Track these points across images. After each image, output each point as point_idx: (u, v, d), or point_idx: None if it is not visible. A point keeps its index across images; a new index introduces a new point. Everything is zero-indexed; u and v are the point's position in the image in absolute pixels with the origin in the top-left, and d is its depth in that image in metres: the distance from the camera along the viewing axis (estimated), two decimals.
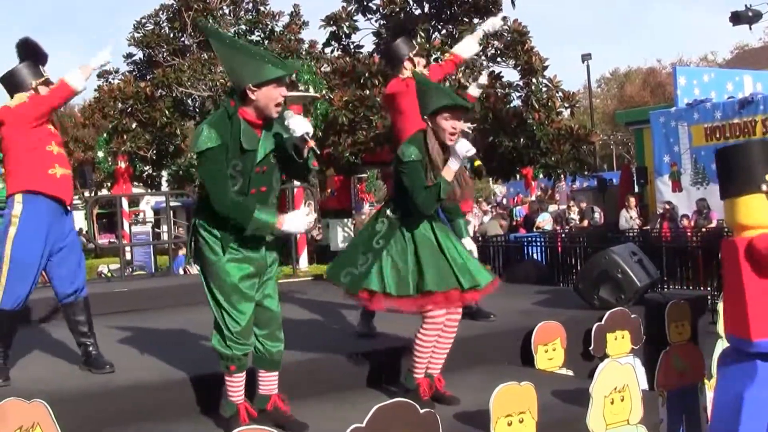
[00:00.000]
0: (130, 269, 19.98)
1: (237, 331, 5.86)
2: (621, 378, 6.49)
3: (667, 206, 23.26)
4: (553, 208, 29.77)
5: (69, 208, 7.53)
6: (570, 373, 8.26)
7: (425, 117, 6.48)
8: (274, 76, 5.73)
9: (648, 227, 22.83)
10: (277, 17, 34.00)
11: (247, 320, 5.89)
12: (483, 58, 24.10)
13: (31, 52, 7.55)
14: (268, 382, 6.19)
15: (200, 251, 5.93)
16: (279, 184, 6.14)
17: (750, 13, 23.96)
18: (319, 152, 5.90)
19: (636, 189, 27.49)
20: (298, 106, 5.89)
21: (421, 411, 5.45)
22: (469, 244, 7.48)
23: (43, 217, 7.24)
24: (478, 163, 6.45)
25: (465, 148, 6.29)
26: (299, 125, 5.77)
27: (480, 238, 20.43)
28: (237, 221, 5.74)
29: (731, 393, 6.84)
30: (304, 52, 31.27)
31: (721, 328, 8.46)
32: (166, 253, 18.47)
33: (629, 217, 24.21)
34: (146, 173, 33.78)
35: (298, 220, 5.92)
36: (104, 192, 32.49)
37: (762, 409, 6.77)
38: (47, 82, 7.44)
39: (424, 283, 6.39)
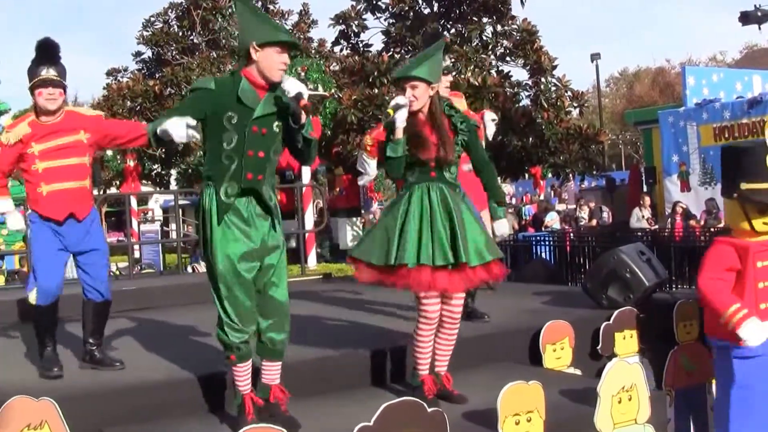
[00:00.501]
0: (139, 267, 20.01)
1: (234, 317, 5.85)
2: (629, 377, 6.48)
3: (682, 206, 23.18)
4: (561, 207, 29.73)
5: (76, 217, 7.48)
6: (578, 372, 8.26)
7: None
8: (277, 39, 5.87)
9: (657, 227, 22.80)
10: (286, 16, 34.10)
11: (245, 307, 5.88)
12: (492, 57, 24.11)
13: (38, 51, 7.54)
14: (271, 372, 6.17)
15: (204, 231, 5.93)
16: (277, 157, 6.12)
17: (759, 13, 23.96)
18: (310, 111, 5.95)
19: (644, 189, 27.45)
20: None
21: (429, 410, 5.45)
22: (501, 227, 7.32)
23: (47, 230, 7.43)
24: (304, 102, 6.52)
25: (397, 99, 6.55)
26: (293, 86, 5.88)
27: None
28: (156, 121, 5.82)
29: (720, 391, 7.02)
30: (313, 51, 31.31)
31: None
32: (175, 252, 18.48)
33: (641, 216, 24.16)
34: (155, 172, 33.86)
35: (178, 124, 5.68)
36: (113, 190, 32.46)
37: (746, 405, 6.88)
38: (42, 83, 7.35)
39: (402, 255, 6.41)
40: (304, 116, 5.89)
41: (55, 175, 7.36)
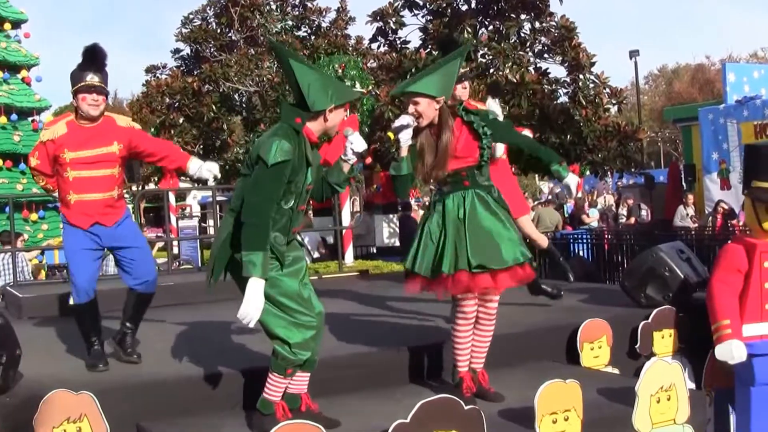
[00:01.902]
0: (177, 263, 20.08)
1: (307, 338, 5.91)
2: (668, 377, 6.45)
3: (724, 205, 23.00)
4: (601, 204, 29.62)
5: (103, 225, 7.60)
6: (616, 371, 8.22)
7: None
8: (353, 97, 6.09)
9: (697, 225, 22.65)
10: (323, 13, 34.12)
11: (316, 321, 5.97)
12: (530, 54, 24.03)
13: (84, 56, 7.60)
14: (302, 382, 6.23)
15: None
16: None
17: None
18: (363, 166, 6.08)
19: (684, 187, 27.29)
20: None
21: (466, 407, 5.45)
22: (571, 180, 6.89)
23: (75, 232, 7.56)
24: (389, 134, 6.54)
25: (398, 121, 6.55)
26: (359, 143, 6.07)
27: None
28: (248, 241, 5.72)
29: (739, 390, 6.99)
30: (350, 48, 31.31)
31: None
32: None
33: (685, 214, 23.98)
34: None
35: (252, 305, 5.82)
36: (151, 186, 32.58)
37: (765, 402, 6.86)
38: (86, 88, 7.45)
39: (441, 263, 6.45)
40: (355, 165, 6.18)
41: (83, 186, 7.49)
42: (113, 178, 7.61)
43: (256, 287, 5.72)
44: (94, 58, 7.58)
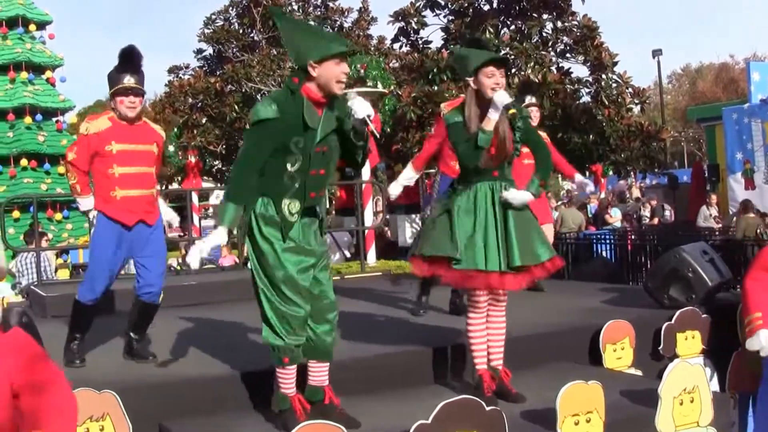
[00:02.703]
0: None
1: (293, 322, 5.87)
2: (691, 379, 6.43)
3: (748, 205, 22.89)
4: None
5: (146, 223, 7.70)
6: (639, 373, 8.20)
7: (467, 78, 6.52)
8: (335, 51, 5.79)
9: (720, 225, 22.55)
10: (345, 13, 34.16)
11: (303, 313, 5.89)
12: (552, 53, 24.00)
13: (121, 58, 7.70)
14: (320, 373, 6.19)
15: (255, 240, 5.93)
16: (335, 169, 6.20)
17: None
18: (378, 136, 5.93)
19: (708, 187, 27.18)
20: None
21: (487, 409, 5.44)
22: (514, 196, 6.65)
23: (111, 232, 7.59)
24: (512, 111, 6.43)
25: (502, 97, 6.33)
26: (361, 107, 5.85)
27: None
28: (226, 191, 5.93)
29: (763, 392, 6.95)
30: (372, 48, 31.32)
31: None
32: (236, 247, 18.55)
33: (708, 215, 23.89)
34: (216, 168, 34.02)
35: (210, 243, 5.94)
36: (174, 186, 32.68)
37: None
38: (123, 91, 7.55)
39: (470, 259, 6.42)
40: (366, 133, 5.93)
41: (129, 182, 7.57)
42: (152, 177, 7.79)
43: (216, 234, 5.91)
44: (130, 59, 7.69)
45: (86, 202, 7.77)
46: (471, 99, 6.52)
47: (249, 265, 6.17)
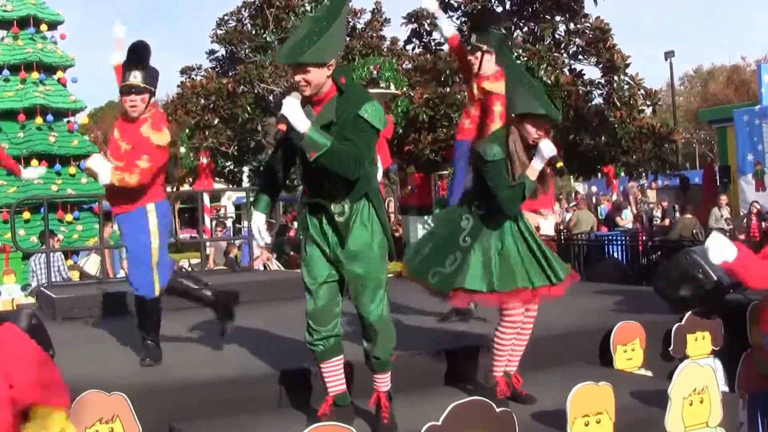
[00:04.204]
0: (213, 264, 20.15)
1: (309, 319, 5.96)
2: (701, 380, 6.42)
3: (757, 205, 22.85)
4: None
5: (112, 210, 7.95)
6: (649, 373, 8.20)
7: (512, 114, 6.47)
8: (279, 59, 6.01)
9: (731, 226, 22.51)
10: (358, 15, 34.09)
11: (317, 308, 5.93)
12: (565, 55, 23.97)
13: (127, 54, 7.72)
14: (378, 381, 6.23)
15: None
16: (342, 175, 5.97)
17: None
18: (398, 168, 6.02)
19: (719, 188, 27.14)
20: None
21: (498, 410, 5.44)
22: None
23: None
24: (560, 164, 6.39)
25: (549, 148, 6.27)
26: (283, 106, 5.81)
27: (564, 232, 20.44)
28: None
29: None
30: (385, 49, 31.29)
31: None
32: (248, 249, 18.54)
33: (719, 216, 23.83)
34: (228, 169, 34.04)
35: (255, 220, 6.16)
36: (186, 187, 32.72)
37: None
38: (125, 90, 7.59)
39: (512, 279, 6.41)
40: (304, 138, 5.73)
41: None
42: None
43: (254, 219, 6.17)
44: (134, 54, 7.65)
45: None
46: (515, 138, 6.46)
47: None
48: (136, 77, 7.54)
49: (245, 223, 32.95)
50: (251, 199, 6.07)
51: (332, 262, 5.97)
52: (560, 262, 6.68)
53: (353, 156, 5.71)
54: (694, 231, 18.53)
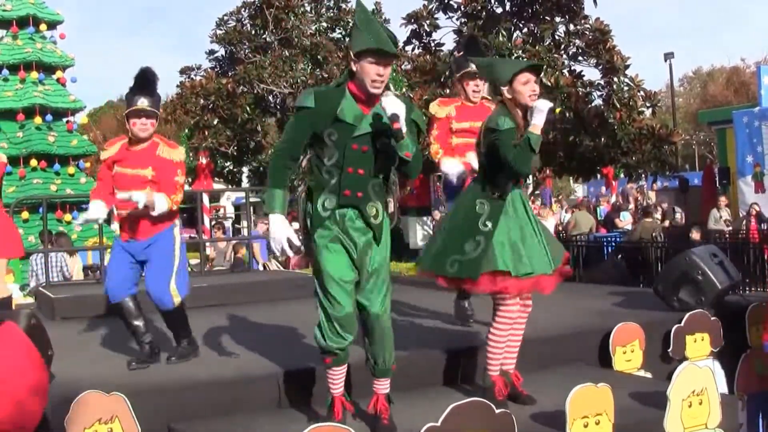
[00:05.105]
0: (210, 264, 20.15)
1: (333, 322, 5.86)
2: (700, 381, 6.42)
3: (756, 207, 22.85)
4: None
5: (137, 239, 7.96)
6: (648, 375, 8.20)
7: (502, 88, 6.50)
8: (365, 46, 5.72)
9: (730, 228, 22.51)
10: None
11: (345, 313, 5.86)
12: (564, 56, 23.96)
13: (136, 80, 7.93)
14: (378, 385, 6.21)
15: (309, 239, 6.00)
16: (382, 174, 6.03)
17: None
18: (403, 137, 5.81)
19: (718, 189, 27.14)
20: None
21: (497, 411, 5.44)
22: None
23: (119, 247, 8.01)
24: (558, 110, 6.53)
25: (545, 104, 6.31)
26: (390, 105, 5.77)
27: (563, 233, 20.45)
28: (267, 179, 6.04)
29: None
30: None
31: None
32: (247, 249, 18.56)
33: (718, 218, 23.82)
34: (227, 169, 34.08)
35: (281, 230, 5.86)
36: (185, 187, 32.79)
37: None
38: (136, 113, 7.75)
39: (541, 261, 6.46)
40: (399, 132, 5.76)
41: (121, 205, 7.86)
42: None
43: (274, 221, 5.88)
44: (144, 81, 7.89)
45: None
46: (513, 107, 6.46)
47: None
48: (143, 102, 7.76)
49: (244, 223, 32.95)
50: (264, 195, 5.91)
51: (355, 265, 5.93)
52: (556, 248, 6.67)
53: (421, 158, 5.95)
54: (654, 234, 18.72)
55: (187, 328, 7.98)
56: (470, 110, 8.99)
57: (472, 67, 8.92)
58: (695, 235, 18.21)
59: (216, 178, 32.98)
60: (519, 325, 6.71)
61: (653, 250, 15.94)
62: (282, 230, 5.82)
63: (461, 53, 9.78)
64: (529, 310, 6.75)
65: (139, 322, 7.87)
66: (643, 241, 17.75)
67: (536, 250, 6.44)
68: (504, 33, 23.06)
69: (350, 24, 33.44)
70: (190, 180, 30.40)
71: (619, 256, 16.37)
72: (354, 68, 5.79)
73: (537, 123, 6.31)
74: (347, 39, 32.38)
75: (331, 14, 34.66)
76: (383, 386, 6.19)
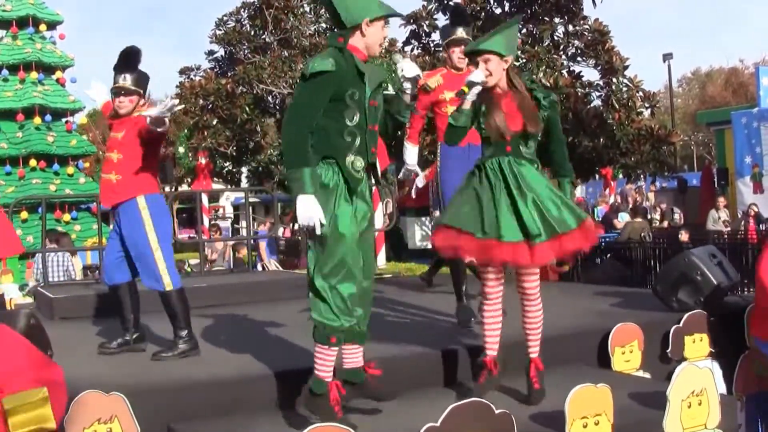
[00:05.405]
0: (209, 264, 20.15)
1: (347, 299, 5.79)
2: (699, 382, 6.42)
3: (755, 208, 22.87)
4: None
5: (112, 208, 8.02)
6: (647, 375, 8.19)
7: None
8: (388, 13, 5.99)
9: (729, 228, 22.53)
10: None
11: (361, 287, 5.86)
12: (564, 57, 24.00)
13: (117, 58, 8.00)
14: (356, 355, 6.18)
15: (327, 202, 5.78)
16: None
17: None
18: (416, 96, 6.03)
19: (717, 190, 27.16)
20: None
21: (496, 411, 5.44)
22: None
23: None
24: (464, 87, 6.53)
25: (472, 76, 6.40)
26: (410, 67, 6.02)
27: None
28: (290, 157, 5.69)
29: None
30: (383, 50, 31.34)
31: None
32: (248, 250, 18.57)
33: (717, 218, 23.84)
34: (226, 169, 34.12)
35: (316, 210, 5.62)
36: (184, 187, 32.72)
37: None
38: (115, 91, 7.92)
39: (488, 228, 6.36)
40: (412, 92, 6.09)
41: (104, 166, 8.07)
42: (117, 163, 7.86)
43: (305, 203, 5.59)
44: (124, 59, 7.96)
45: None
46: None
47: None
48: (125, 79, 7.84)
49: (243, 223, 32.96)
50: (288, 175, 5.71)
51: (363, 230, 5.95)
52: (544, 224, 6.40)
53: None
54: (642, 234, 18.77)
55: (180, 318, 7.93)
56: (456, 78, 9.00)
57: (458, 34, 9.14)
58: (683, 236, 18.22)
59: (215, 179, 32.98)
60: (526, 305, 6.64)
61: (640, 250, 16.06)
62: (317, 211, 5.61)
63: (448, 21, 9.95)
64: (531, 289, 6.64)
65: (127, 315, 8.00)
66: (631, 241, 17.80)
67: (505, 218, 6.34)
68: None
69: None
70: (189, 180, 30.45)
71: (608, 255, 16.39)
72: (366, 31, 5.89)
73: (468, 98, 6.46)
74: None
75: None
76: (361, 354, 6.19)
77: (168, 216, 8.09)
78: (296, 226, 5.64)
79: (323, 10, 34.36)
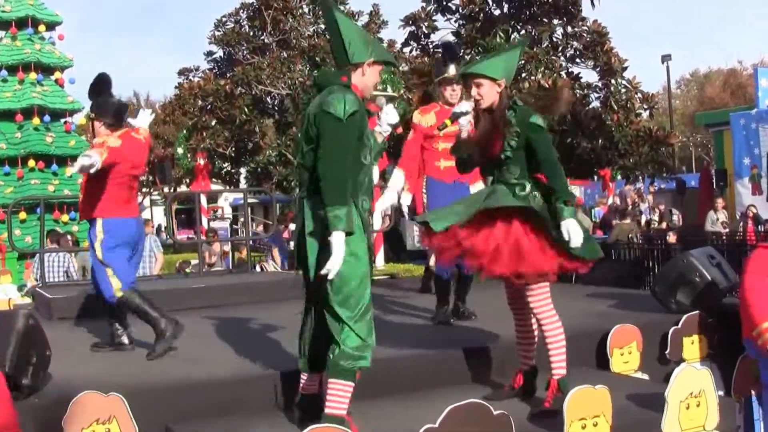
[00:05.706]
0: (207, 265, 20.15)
1: (371, 334, 5.80)
2: (697, 383, 6.42)
3: (753, 209, 22.86)
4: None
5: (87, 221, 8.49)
6: (645, 377, 8.20)
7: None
8: (389, 60, 6.11)
9: (727, 230, 22.52)
10: (356, 17, 34.12)
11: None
12: (562, 58, 23.99)
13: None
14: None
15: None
16: None
17: None
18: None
19: (716, 191, 27.16)
20: (374, 106, 5.91)
21: (495, 412, 5.44)
22: (570, 225, 6.44)
23: None
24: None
25: (457, 108, 6.75)
26: (393, 115, 6.08)
27: None
28: (332, 195, 5.49)
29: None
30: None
31: None
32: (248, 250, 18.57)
33: (715, 219, 23.82)
34: (225, 170, 34.08)
35: (338, 258, 5.50)
36: (183, 188, 32.71)
37: None
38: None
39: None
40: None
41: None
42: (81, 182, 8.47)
43: (341, 240, 5.48)
44: (90, 86, 8.49)
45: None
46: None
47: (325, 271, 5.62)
48: (95, 108, 8.43)
49: (242, 221, 32.96)
50: (333, 211, 5.56)
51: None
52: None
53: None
54: (630, 235, 18.83)
55: (120, 319, 8.31)
56: (448, 114, 9.02)
57: (449, 72, 9.24)
58: (671, 238, 18.22)
59: (214, 179, 32.98)
60: (540, 325, 6.73)
61: (628, 251, 16.30)
62: (343, 251, 5.52)
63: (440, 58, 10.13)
64: (538, 316, 6.69)
65: (152, 312, 8.05)
66: (620, 242, 17.86)
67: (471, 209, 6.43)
68: (502, 35, 23.12)
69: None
70: (188, 181, 30.44)
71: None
72: (366, 72, 5.86)
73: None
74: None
75: None
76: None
77: (122, 242, 8.26)
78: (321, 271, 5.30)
79: (322, 12, 34.45)
